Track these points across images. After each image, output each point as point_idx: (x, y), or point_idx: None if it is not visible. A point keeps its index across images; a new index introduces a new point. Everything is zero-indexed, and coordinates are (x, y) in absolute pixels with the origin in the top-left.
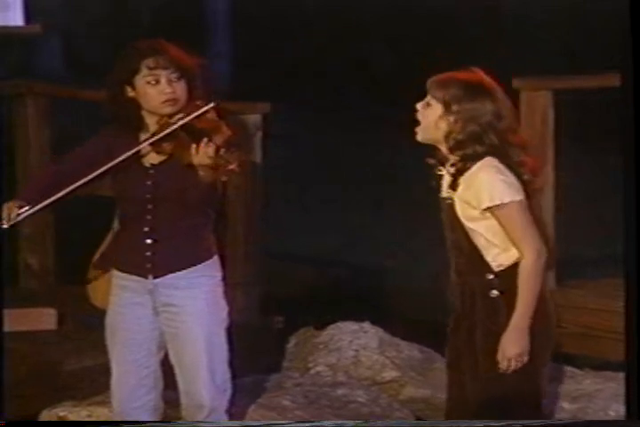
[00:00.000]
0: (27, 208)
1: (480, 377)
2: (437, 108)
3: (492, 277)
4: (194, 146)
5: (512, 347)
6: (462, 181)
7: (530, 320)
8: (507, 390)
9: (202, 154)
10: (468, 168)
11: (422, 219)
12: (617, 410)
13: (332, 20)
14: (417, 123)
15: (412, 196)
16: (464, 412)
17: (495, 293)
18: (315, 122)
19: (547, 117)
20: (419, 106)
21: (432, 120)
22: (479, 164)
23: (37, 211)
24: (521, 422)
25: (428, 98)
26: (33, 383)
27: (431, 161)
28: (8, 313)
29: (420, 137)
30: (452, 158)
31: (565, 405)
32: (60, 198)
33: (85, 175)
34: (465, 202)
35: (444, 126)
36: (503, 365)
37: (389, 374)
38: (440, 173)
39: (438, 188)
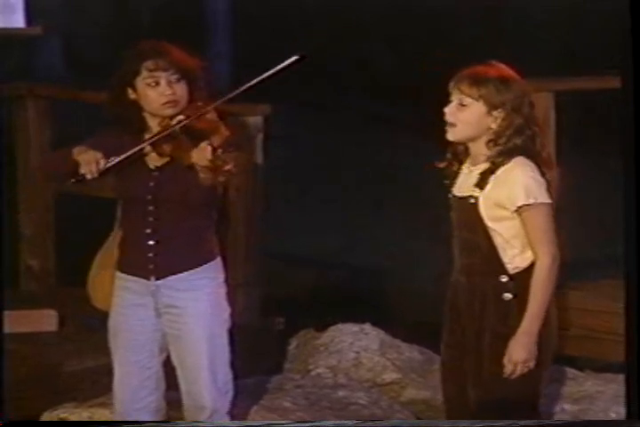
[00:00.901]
0: (113, 158)
1: (482, 379)
2: (478, 107)
3: (506, 279)
4: (192, 147)
5: (520, 352)
6: (493, 179)
7: (539, 325)
8: (505, 392)
9: (200, 155)
10: (502, 164)
11: (423, 219)
12: (618, 412)
13: (332, 19)
14: (446, 124)
15: (413, 196)
16: (463, 411)
17: (508, 296)
18: (315, 122)
19: (548, 119)
20: (449, 108)
21: (473, 119)
22: (512, 162)
23: (122, 161)
24: (522, 422)
25: (459, 98)
26: (33, 385)
27: (441, 165)
28: (8, 315)
29: (455, 137)
30: (487, 154)
31: (567, 406)
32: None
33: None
34: (494, 201)
35: (489, 123)
36: (508, 369)
37: (390, 375)
38: (458, 170)
39: (450, 186)
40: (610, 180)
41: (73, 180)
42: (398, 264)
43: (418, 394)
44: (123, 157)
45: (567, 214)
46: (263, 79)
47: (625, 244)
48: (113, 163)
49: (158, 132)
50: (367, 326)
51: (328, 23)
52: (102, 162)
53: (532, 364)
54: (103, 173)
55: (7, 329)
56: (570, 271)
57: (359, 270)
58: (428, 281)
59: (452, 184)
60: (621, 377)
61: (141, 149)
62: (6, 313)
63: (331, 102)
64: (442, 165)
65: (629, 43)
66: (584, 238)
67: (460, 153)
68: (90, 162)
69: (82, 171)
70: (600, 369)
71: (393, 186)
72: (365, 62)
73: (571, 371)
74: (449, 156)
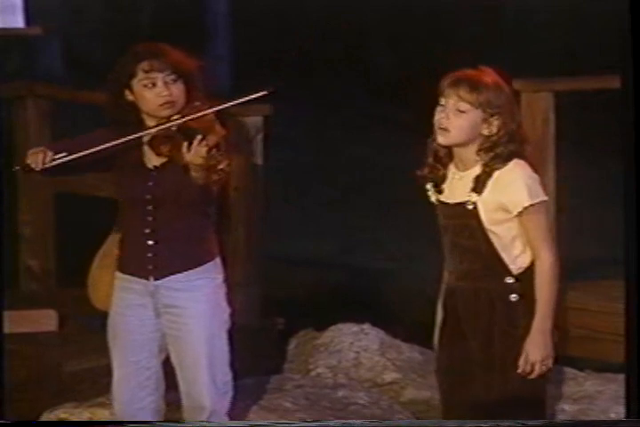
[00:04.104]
0: (64, 154)
1: (493, 381)
2: (476, 113)
3: (511, 280)
4: (185, 146)
5: (537, 351)
6: (491, 183)
7: (552, 323)
8: (516, 392)
9: (194, 154)
10: (498, 168)
11: (423, 220)
12: (618, 412)
13: (332, 20)
14: (438, 127)
15: (413, 197)
16: (461, 413)
17: (515, 297)
18: (315, 122)
19: (547, 119)
20: (444, 113)
21: (469, 126)
22: (510, 165)
23: (73, 160)
24: (530, 422)
25: (456, 104)
26: (33, 385)
27: (424, 172)
28: (8, 315)
29: (448, 141)
30: (479, 159)
31: (567, 406)
32: (89, 154)
33: (92, 160)
34: (495, 204)
35: (482, 129)
36: (527, 369)
37: (390, 375)
38: (444, 175)
39: (439, 192)
40: (610, 179)
41: (17, 167)
42: (398, 265)
43: (418, 394)
44: (77, 155)
45: (567, 214)
46: (176, 124)
47: (625, 244)
48: (63, 160)
49: (156, 133)
50: (367, 326)
51: (328, 24)
52: (50, 156)
53: (550, 362)
54: (53, 168)
55: (7, 329)
56: (570, 271)
57: (359, 271)
58: (428, 281)
59: (439, 190)
60: (621, 377)
61: (118, 145)
62: (6, 313)
63: (331, 102)
64: (425, 171)
65: (629, 43)
66: (584, 238)
67: (442, 156)
68: (37, 153)
69: (27, 161)
70: (600, 369)
71: (393, 187)
72: (366, 62)
73: (571, 371)
74: (430, 160)
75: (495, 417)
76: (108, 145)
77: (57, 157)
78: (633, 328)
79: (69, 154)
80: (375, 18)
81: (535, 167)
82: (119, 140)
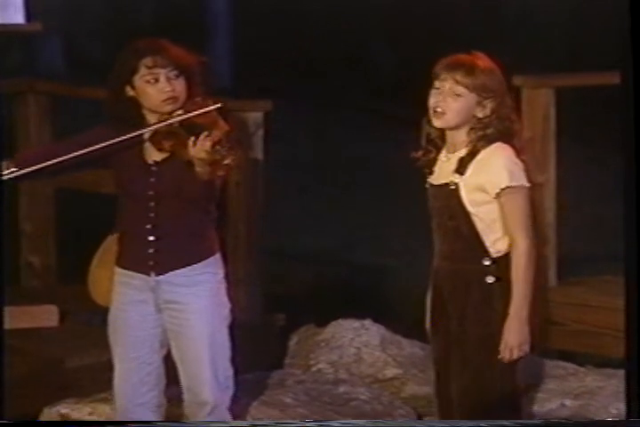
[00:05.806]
0: (13, 169)
1: (465, 366)
2: (471, 97)
3: (488, 263)
4: (191, 140)
5: (514, 336)
6: (473, 164)
7: (529, 309)
8: (484, 382)
9: (198, 148)
10: (482, 149)
11: (423, 216)
12: (618, 408)
13: (332, 20)
14: (434, 111)
15: (413, 193)
16: (450, 409)
17: (491, 279)
18: (315, 119)
19: (548, 115)
20: (440, 96)
21: (464, 109)
22: (493, 147)
23: (22, 175)
24: (529, 421)
25: (452, 87)
26: (34, 381)
27: (418, 154)
28: (9, 310)
29: (445, 124)
30: (467, 140)
31: (567, 402)
32: (44, 168)
33: (81, 161)
34: (475, 185)
35: (476, 112)
36: (505, 354)
37: (391, 371)
38: (436, 158)
39: (429, 174)
40: (610, 176)
41: None
42: (399, 261)
43: (419, 390)
44: (109, 142)
45: (568, 211)
46: (179, 120)
47: (625, 240)
48: (11, 175)
49: (158, 129)
50: (368, 322)
51: (328, 24)
52: None
53: (527, 347)
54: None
55: (8, 325)
56: (570, 267)
57: (360, 267)
58: (429, 277)
59: (430, 173)
60: (622, 373)
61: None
62: (7, 309)
63: (331, 102)
64: (419, 153)
65: (629, 43)
66: (585, 234)
67: (435, 139)
68: None
69: None
70: (600, 365)
71: (393, 184)
72: (366, 62)
73: (571, 366)
74: (424, 142)
75: (467, 410)
76: (104, 144)
77: (7, 172)
78: (633, 324)
79: (19, 169)
80: (375, 18)
81: (523, 151)
82: (116, 139)
